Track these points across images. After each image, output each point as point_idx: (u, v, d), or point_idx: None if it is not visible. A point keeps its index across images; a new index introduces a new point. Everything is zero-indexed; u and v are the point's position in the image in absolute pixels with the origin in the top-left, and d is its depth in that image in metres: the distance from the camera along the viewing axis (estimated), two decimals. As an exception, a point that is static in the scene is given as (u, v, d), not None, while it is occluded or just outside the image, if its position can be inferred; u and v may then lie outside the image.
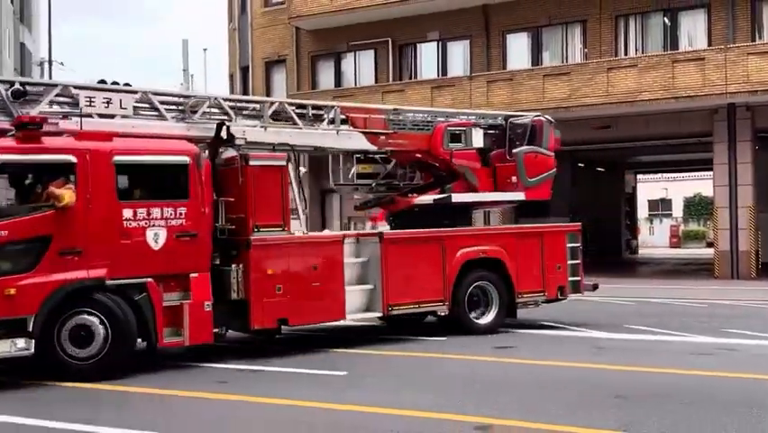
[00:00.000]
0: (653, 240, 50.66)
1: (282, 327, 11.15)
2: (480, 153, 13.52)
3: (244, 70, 32.43)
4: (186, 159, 10.21)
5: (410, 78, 28.53)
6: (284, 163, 11.18)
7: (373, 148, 12.95)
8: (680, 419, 7.34)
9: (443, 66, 28.44)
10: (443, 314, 12.62)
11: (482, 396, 8.45)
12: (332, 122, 12.48)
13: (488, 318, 12.80)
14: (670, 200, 59.67)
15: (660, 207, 59.27)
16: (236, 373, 10.05)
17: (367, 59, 29.54)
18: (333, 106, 12.73)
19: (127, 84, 13.95)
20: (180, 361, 10.76)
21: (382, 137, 12.84)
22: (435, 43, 28.46)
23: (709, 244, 36.55)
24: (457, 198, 13.11)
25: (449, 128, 13.27)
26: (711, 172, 25.56)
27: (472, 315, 12.69)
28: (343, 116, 12.58)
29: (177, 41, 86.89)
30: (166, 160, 10.20)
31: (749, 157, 23.69)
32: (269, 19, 31.24)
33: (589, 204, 35.58)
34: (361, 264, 11.88)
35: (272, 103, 12.24)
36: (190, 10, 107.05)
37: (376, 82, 28.75)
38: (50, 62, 38.96)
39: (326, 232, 14.74)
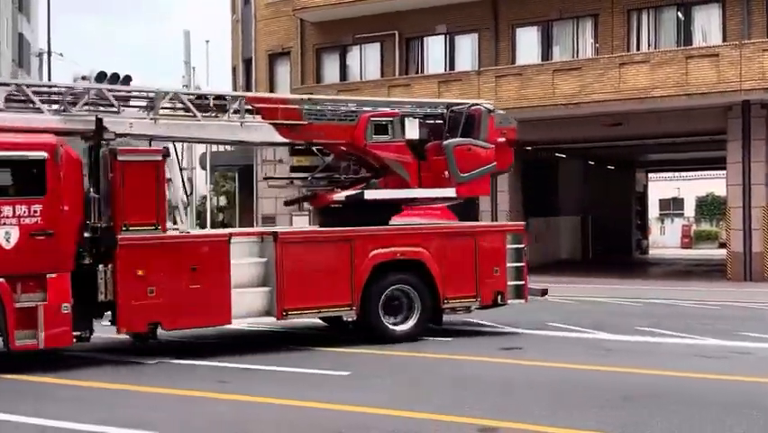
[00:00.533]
0: (665, 240, 50.58)
1: (158, 330, 10.84)
2: (415, 146, 12.82)
3: (247, 63, 32.45)
4: (42, 154, 9.96)
5: (417, 73, 28.51)
6: (159, 158, 10.78)
7: (285, 140, 12.34)
8: (685, 422, 7.38)
9: (450, 60, 28.42)
10: (350, 319, 12.11)
11: (487, 397, 8.49)
12: (237, 113, 11.94)
13: (407, 325, 12.14)
14: (682, 199, 59.59)
15: (671, 206, 59.20)
16: (237, 371, 10.08)
17: (373, 52, 29.53)
18: (237, 97, 12.17)
19: (128, 77, 13.98)
20: (174, 358, 10.85)
21: (296, 129, 12.17)
22: (443, 37, 28.43)
23: (722, 245, 36.46)
24: (370, 194, 12.38)
25: (373, 119, 12.49)
26: (724, 171, 25.50)
27: (390, 320, 12.05)
28: (249, 107, 11.99)
29: (178, 34, 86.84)
30: (19, 155, 9.94)
31: (764, 156, 23.61)
32: (273, 10, 31.24)
33: (600, 202, 35.60)
34: (260, 265, 11.37)
35: (165, 93, 11.71)
36: (192, 1, 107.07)
37: (382, 76, 28.75)
38: (50, 53, 39.03)
39: (211, 231, 14.02)
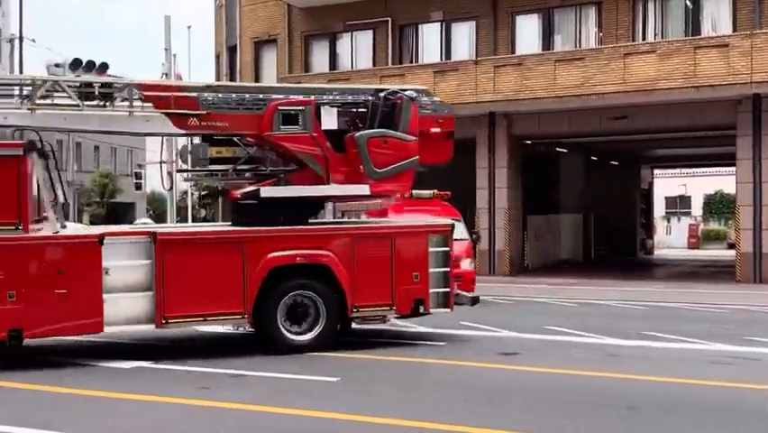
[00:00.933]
0: (670, 240, 50.79)
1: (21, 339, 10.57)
2: (333, 136, 12.18)
3: (231, 51, 32.41)
4: None
5: (411, 62, 28.53)
6: (19, 153, 10.47)
7: (181, 131, 11.94)
8: (687, 430, 7.42)
9: (446, 49, 28.44)
10: (240, 329, 11.59)
11: (482, 405, 8.52)
12: (125, 101, 11.52)
13: (311, 335, 11.65)
14: (689, 197, 59.77)
15: (678, 204, 59.39)
16: (218, 377, 10.06)
17: (364, 40, 29.53)
18: (126, 84, 11.84)
19: (104, 64, 13.94)
20: (154, 362, 10.84)
21: (192, 119, 11.69)
22: (439, 24, 28.45)
23: (731, 246, 36.66)
24: (266, 192, 11.90)
25: (281, 107, 11.91)
26: (734, 168, 25.61)
27: (294, 329, 11.59)
28: (140, 95, 11.57)
29: (159, 18, 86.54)
30: None
31: (775, 152, 23.74)
32: (260, -5, 31.22)
33: (603, 200, 35.71)
34: (143, 268, 10.96)
35: (44, 81, 11.39)
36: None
37: (374, 65, 28.76)
38: (21, 39, 38.85)
39: (83, 230, 13.15)
